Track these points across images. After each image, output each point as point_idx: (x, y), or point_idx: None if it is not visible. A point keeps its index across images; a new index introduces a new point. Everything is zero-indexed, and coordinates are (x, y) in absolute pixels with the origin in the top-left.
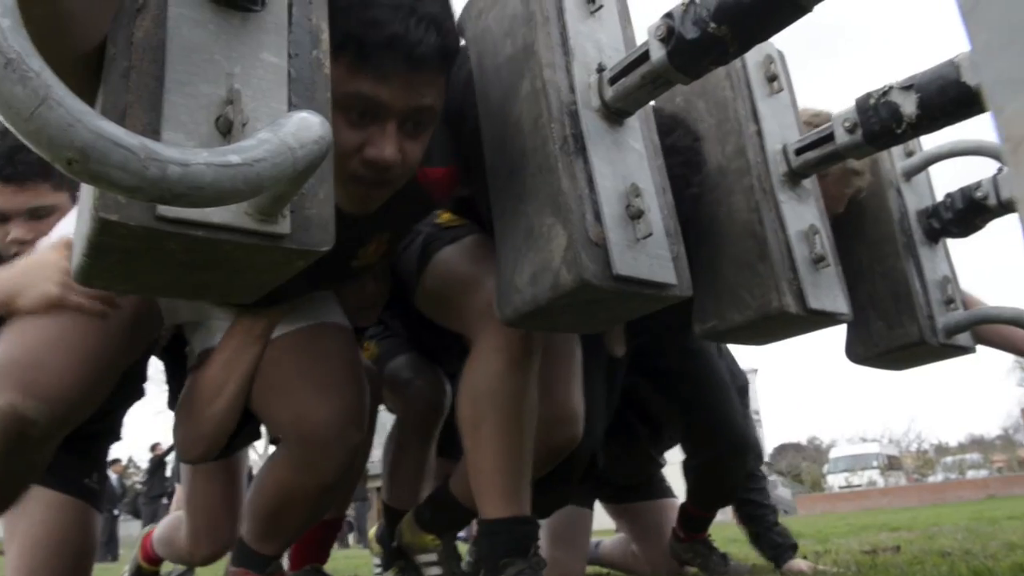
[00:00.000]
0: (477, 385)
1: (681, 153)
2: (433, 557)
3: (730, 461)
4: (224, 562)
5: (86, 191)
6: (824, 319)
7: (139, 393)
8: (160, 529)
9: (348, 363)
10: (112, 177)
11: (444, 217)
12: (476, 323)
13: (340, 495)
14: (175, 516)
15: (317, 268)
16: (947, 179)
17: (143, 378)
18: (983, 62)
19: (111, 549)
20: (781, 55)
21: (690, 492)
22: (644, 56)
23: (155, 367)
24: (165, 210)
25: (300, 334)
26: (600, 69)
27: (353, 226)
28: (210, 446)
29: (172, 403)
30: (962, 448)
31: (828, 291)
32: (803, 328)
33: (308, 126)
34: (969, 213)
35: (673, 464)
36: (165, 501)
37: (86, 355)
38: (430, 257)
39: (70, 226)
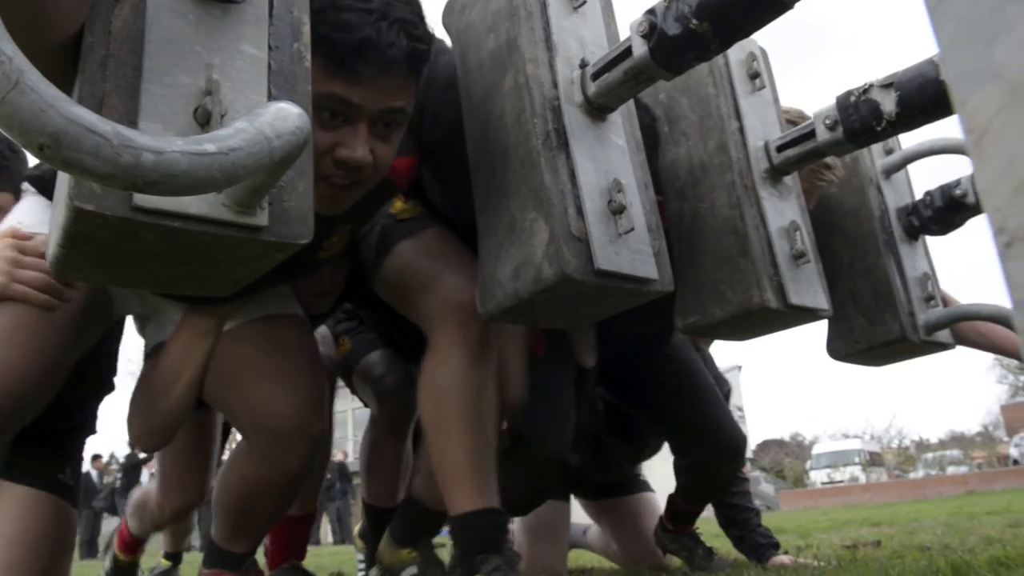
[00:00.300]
0: (438, 382)
1: (641, 131)
2: (414, 570)
3: (723, 460)
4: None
5: (62, 181)
6: (805, 315)
7: (109, 386)
8: (131, 503)
9: (304, 353)
10: (84, 163)
11: (397, 207)
12: (433, 320)
13: (308, 488)
14: (146, 487)
15: (286, 261)
16: (925, 177)
17: (113, 371)
18: (948, 55)
19: (92, 547)
20: (764, 53)
21: (681, 489)
22: (627, 52)
23: (136, 362)
24: (142, 200)
25: (255, 325)
26: (583, 65)
27: (320, 221)
28: (161, 438)
29: None
30: (943, 444)
31: (809, 287)
32: (784, 324)
33: (285, 116)
34: (948, 211)
35: (658, 459)
36: None
37: (33, 350)
38: (388, 250)
39: (16, 217)
